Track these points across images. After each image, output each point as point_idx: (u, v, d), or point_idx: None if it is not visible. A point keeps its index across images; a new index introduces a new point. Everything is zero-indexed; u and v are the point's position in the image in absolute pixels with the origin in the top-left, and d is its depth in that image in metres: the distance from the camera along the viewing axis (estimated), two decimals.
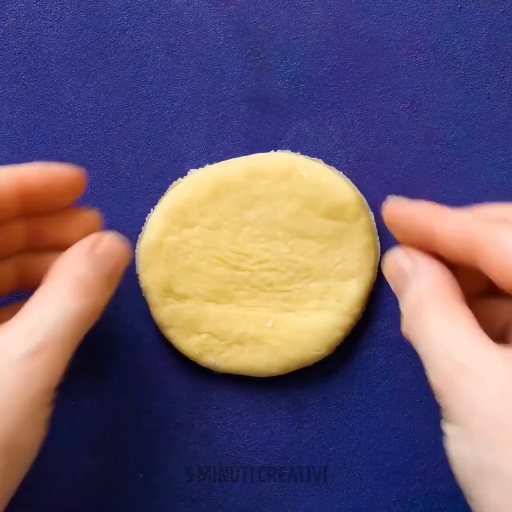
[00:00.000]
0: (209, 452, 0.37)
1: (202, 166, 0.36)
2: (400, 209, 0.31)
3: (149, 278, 0.35)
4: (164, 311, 0.35)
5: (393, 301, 0.36)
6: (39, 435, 0.28)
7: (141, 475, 0.37)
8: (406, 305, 0.30)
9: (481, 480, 0.27)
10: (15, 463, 0.27)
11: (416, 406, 0.36)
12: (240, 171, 0.35)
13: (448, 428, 0.28)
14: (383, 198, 0.36)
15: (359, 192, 0.35)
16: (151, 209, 0.36)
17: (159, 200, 0.36)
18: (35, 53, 0.36)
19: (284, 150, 0.36)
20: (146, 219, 0.36)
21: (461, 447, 0.27)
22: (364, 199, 0.36)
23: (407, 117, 0.36)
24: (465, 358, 0.27)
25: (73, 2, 0.36)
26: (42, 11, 0.36)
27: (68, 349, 0.28)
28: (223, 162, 0.35)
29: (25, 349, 0.27)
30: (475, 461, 0.27)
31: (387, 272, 0.32)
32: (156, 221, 0.35)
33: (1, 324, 0.28)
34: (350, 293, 0.35)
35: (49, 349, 0.27)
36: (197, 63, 0.36)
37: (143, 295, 0.36)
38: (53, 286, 0.29)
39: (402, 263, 0.31)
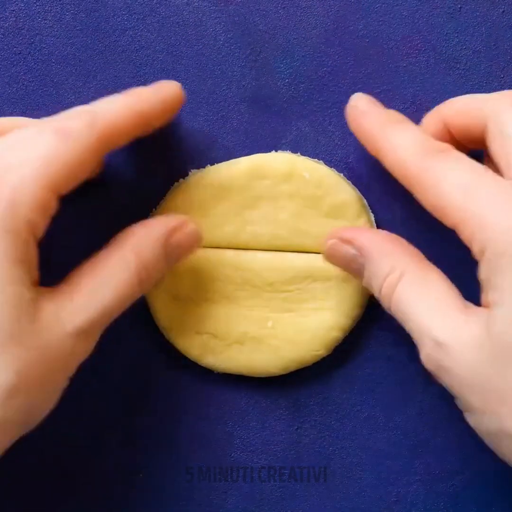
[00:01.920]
0: (209, 452, 0.37)
1: (203, 166, 0.36)
2: (356, 118, 0.32)
3: None
4: (165, 313, 0.35)
5: None
6: (52, 404, 0.30)
7: (141, 475, 0.37)
8: (374, 288, 0.31)
9: (498, 445, 0.28)
10: (29, 424, 0.29)
11: (416, 406, 0.36)
12: (241, 172, 0.35)
13: (457, 402, 0.29)
14: (383, 198, 0.36)
15: (359, 192, 0.35)
16: (153, 209, 0.36)
17: (160, 201, 0.36)
18: (35, 53, 0.36)
19: (285, 151, 0.36)
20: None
21: (470, 418, 0.29)
22: (364, 199, 0.36)
23: (407, 117, 0.36)
24: (443, 335, 0.28)
25: (73, 2, 0.36)
26: (42, 11, 0.36)
27: (103, 330, 0.30)
28: (224, 163, 0.35)
29: (77, 326, 0.28)
30: (486, 429, 0.28)
31: (332, 262, 0.33)
32: None
33: (58, 289, 0.29)
34: (350, 294, 0.35)
35: (94, 331, 0.29)
36: (197, 63, 0.36)
37: (144, 296, 0.36)
38: (116, 268, 0.30)
39: (345, 251, 0.32)
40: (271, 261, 0.35)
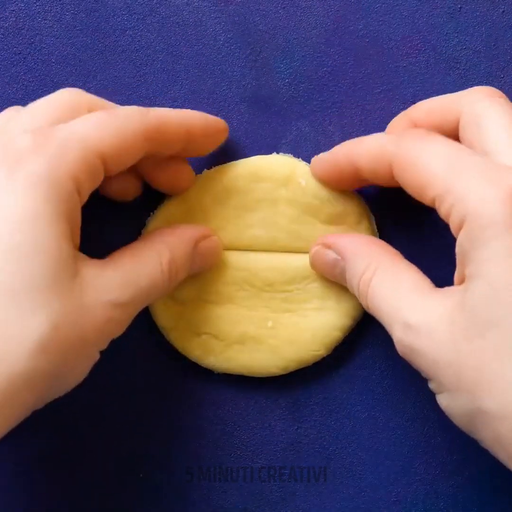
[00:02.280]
0: (209, 452, 0.37)
1: (203, 167, 0.35)
2: (324, 162, 0.33)
3: None
4: (165, 314, 0.35)
5: None
6: (81, 375, 0.30)
7: (141, 475, 0.37)
8: (354, 289, 0.32)
9: (472, 424, 0.28)
10: (56, 387, 0.29)
11: (416, 406, 0.36)
12: (241, 175, 0.35)
13: (430, 385, 0.29)
14: (383, 198, 0.36)
15: (360, 197, 0.35)
16: (151, 213, 0.35)
17: (160, 204, 0.35)
18: (35, 53, 0.36)
19: (286, 154, 0.35)
20: (146, 223, 0.35)
21: (443, 399, 0.29)
22: (365, 204, 0.35)
23: None
24: (412, 317, 0.28)
25: (73, 2, 0.36)
26: (42, 11, 0.36)
27: (135, 314, 0.31)
28: (223, 165, 0.35)
29: (115, 297, 0.29)
30: (459, 409, 0.28)
31: (317, 269, 0.34)
32: (157, 225, 0.35)
33: (99, 260, 0.30)
34: (351, 294, 0.35)
35: (128, 310, 0.30)
36: (197, 63, 0.36)
37: None
38: (152, 257, 0.31)
39: (327, 256, 0.33)
40: (270, 261, 0.35)
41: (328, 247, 0.33)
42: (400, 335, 0.29)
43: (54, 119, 0.30)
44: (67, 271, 0.27)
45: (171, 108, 0.32)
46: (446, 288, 0.29)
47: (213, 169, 0.35)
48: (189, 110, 0.33)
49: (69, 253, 0.27)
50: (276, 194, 0.34)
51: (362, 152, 0.31)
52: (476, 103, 0.30)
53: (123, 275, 0.30)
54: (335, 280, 0.34)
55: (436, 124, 0.31)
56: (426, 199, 0.29)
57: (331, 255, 0.33)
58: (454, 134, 0.31)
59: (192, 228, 0.34)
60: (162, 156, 0.32)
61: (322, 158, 0.34)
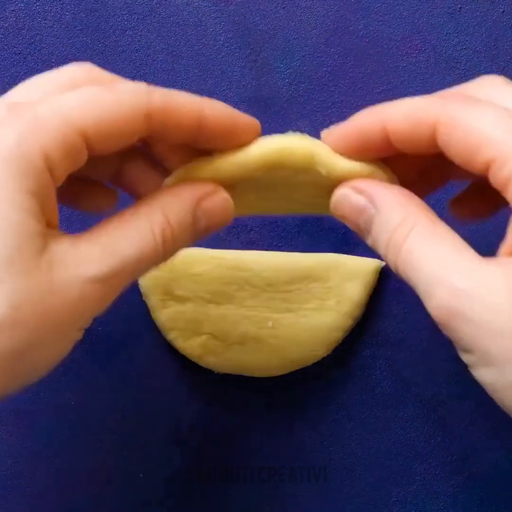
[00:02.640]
0: (209, 452, 0.37)
1: None
2: (343, 131, 0.30)
3: (149, 281, 0.35)
4: (165, 314, 0.35)
5: (394, 302, 0.36)
6: (57, 356, 0.27)
7: (141, 475, 0.37)
8: (381, 243, 0.29)
9: None
10: (24, 370, 0.26)
11: (416, 406, 0.36)
12: (257, 164, 0.30)
13: (467, 358, 0.27)
14: None
15: (388, 168, 0.31)
16: None
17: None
18: (35, 53, 0.36)
19: (303, 133, 0.30)
20: None
21: (487, 373, 0.26)
22: (394, 175, 0.31)
23: None
24: (462, 281, 0.26)
25: (73, 2, 0.36)
26: (42, 11, 0.36)
27: (123, 288, 0.28)
28: (237, 151, 0.30)
29: (89, 271, 0.26)
30: (507, 381, 0.26)
31: (340, 212, 0.30)
32: None
33: (78, 235, 0.27)
34: (351, 294, 0.35)
35: (111, 282, 0.27)
36: (197, 63, 0.36)
37: (143, 297, 0.36)
38: (141, 224, 0.28)
39: (355, 200, 0.30)
40: (271, 262, 0.35)
41: (360, 192, 0.30)
42: (445, 298, 0.26)
43: (46, 93, 0.28)
44: (32, 248, 0.25)
45: (186, 92, 0.29)
46: (497, 258, 0.27)
47: (225, 155, 0.30)
48: (211, 99, 0.29)
49: (35, 229, 0.26)
50: (294, 179, 0.31)
51: (398, 114, 0.28)
52: (457, 112, 0.27)
53: (102, 247, 0.27)
54: (355, 228, 0.30)
55: (411, 129, 0.29)
56: (476, 163, 0.27)
57: (361, 200, 0.30)
58: (429, 142, 0.28)
59: (193, 186, 0.29)
60: (170, 142, 0.30)
61: (339, 129, 0.30)
